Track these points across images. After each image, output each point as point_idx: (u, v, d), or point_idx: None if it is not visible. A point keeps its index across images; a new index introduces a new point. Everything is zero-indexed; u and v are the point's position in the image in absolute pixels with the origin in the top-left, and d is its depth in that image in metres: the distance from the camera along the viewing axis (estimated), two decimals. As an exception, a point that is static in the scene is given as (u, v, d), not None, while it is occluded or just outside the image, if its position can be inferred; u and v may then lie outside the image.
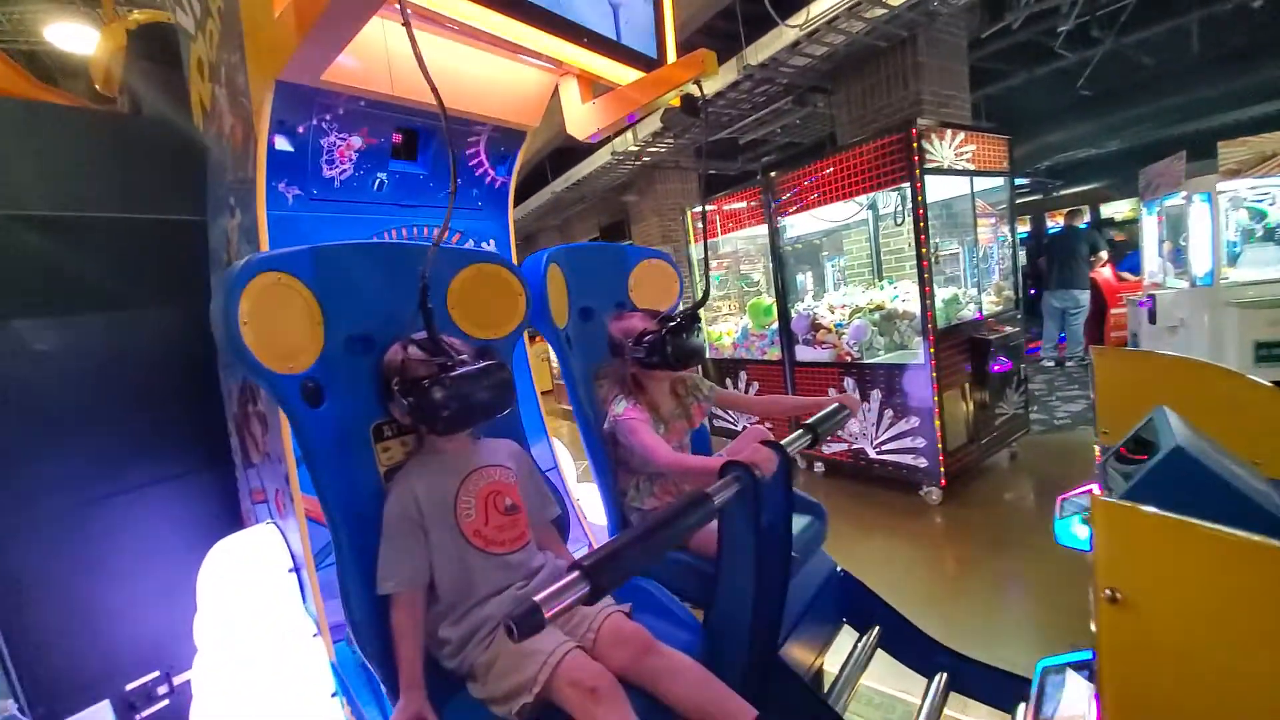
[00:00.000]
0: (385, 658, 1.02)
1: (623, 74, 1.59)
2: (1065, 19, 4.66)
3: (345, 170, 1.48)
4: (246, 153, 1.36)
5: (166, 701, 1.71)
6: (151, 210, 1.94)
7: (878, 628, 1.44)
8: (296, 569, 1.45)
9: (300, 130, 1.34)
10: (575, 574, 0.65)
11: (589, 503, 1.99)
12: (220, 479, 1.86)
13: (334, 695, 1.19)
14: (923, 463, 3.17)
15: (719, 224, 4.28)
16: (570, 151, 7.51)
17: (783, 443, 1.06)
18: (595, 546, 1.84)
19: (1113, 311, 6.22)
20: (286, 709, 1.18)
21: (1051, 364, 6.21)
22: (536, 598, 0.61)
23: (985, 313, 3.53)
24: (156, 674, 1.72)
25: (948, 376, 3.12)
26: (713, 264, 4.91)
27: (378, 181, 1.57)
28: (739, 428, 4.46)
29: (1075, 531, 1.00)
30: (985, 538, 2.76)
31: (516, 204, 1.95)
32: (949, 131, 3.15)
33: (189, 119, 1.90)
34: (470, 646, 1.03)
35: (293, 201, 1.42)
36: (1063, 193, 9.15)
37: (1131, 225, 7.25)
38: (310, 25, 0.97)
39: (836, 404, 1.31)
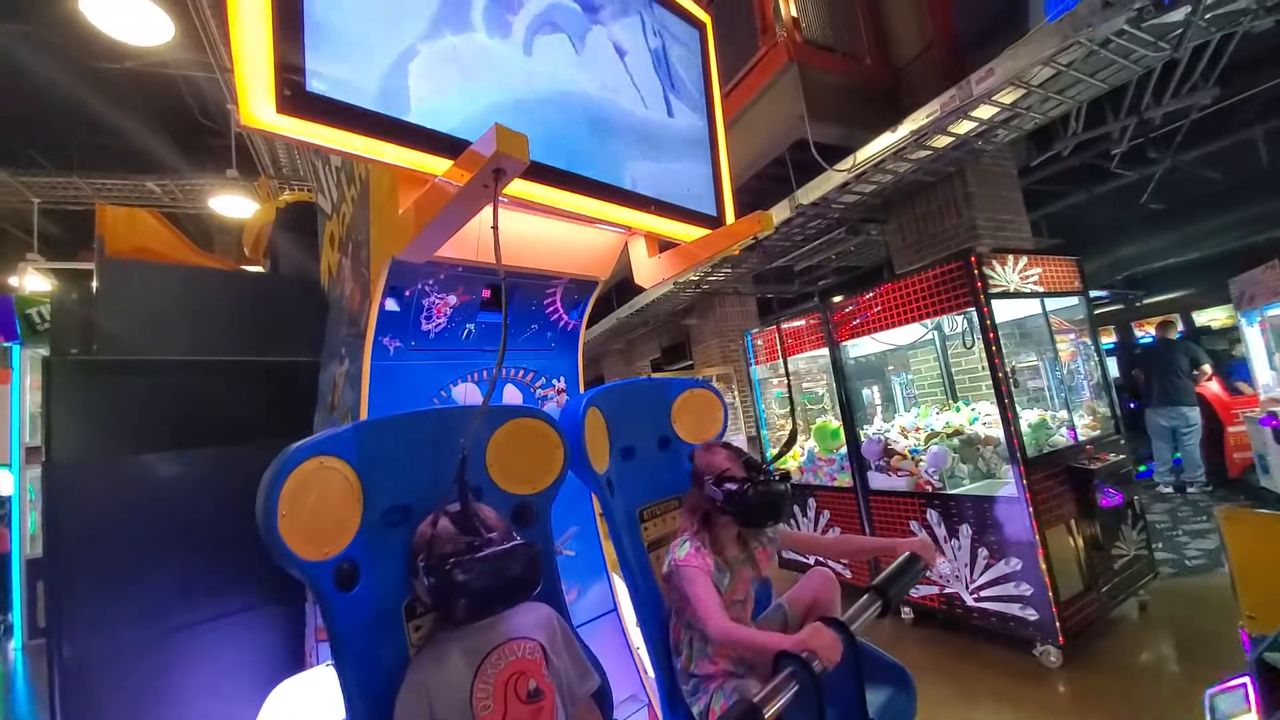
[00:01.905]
0: None
1: (687, 232, 1.75)
2: (1116, 143, 4.73)
3: (440, 324, 1.66)
4: (361, 311, 1.56)
5: None
6: (276, 352, 2.21)
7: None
8: (350, 721, 1.40)
9: (407, 294, 1.54)
10: None
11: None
12: (288, 612, 1.89)
13: None
14: (1033, 614, 2.76)
15: (780, 346, 4.33)
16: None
17: (846, 617, 0.93)
18: (653, 703, 1.68)
19: (1230, 430, 5.56)
20: None
21: (1170, 489, 5.50)
22: None
23: (1081, 436, 3.25)
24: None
25: (1048, 511, 2.82)
26: (776, 381, 4.89)
27: (466, 331, 1.74)
28: (810, 560, 4.13)
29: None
30: (1123, 715, 2.30)
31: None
32: (1010, 256, 3.15)
33: (318, 279, 2.23)
34: None
35: (393, 352, 1.58)
36: (1146, 301, 8.70)
37: (1231, 332, 6.70)
38: (427, 220, 1.16)
39: (907, 554, 1.17)
